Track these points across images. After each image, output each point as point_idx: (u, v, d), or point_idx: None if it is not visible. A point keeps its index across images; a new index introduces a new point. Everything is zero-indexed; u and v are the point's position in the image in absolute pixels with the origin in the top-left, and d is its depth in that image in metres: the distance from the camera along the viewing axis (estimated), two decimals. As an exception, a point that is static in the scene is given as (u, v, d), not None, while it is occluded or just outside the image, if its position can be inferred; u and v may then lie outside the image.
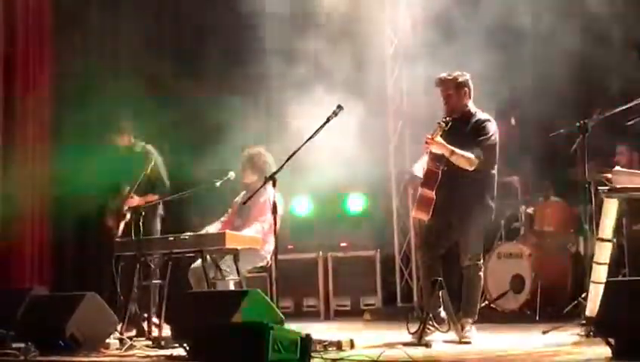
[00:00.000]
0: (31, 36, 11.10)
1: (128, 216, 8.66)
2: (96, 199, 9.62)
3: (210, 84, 11.26)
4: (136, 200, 8.82)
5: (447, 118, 7.48)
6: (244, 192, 8.80)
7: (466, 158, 7.38)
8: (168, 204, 9.10)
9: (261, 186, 7.77)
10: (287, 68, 10.52)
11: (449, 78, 7.63)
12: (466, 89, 7.63)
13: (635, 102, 7.25)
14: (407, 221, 11.22)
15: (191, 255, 8.19)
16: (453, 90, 7.60)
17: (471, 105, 7.66)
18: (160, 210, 9.15)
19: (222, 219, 8.82)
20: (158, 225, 9.11)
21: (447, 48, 10.27)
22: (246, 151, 8.79)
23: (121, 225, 8.85)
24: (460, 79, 7.62)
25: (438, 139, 7.37)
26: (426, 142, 7.44)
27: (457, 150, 7.37)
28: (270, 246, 8.26)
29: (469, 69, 7.86)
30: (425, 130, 7.69)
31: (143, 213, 8.06)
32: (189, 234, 8.25)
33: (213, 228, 8.62)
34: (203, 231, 8.50)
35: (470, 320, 7.47)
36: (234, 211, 8.84)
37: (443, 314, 7.42)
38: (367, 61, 10.65)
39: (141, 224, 7.98)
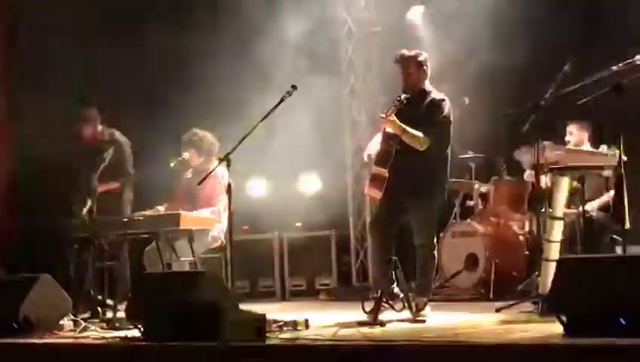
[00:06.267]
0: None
1: (89, 202, 8.58)
2: (57, 183, 9.57)
3: (159, 60, 11.17)
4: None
5: (405, 95, 7.49)
6: (189, 174, 8.78)
7: (417, 139, 7.39)
8: (137, 188, 9.09)
9: (216, 167, 7.76)
10: (239, 47, 10.50)
11: (411, 55, 7.64)
12: (425, 67, 7.65)
13: (585, 82, 7.29)
14: (363, 201, 11.24)
15: (145, 236, 8.16)
16: (414, 67, 7.61)
17: (427, 84, 7.67)
18: (129, 195, 9.14)
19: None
20: (128, 210, 9.09)
21: (402, 26, 10.30)
22: (190, 133, 8.73)
23: (84, 212, 8.78)
24: (421, 58, 7.64)
25: (393, 117, 7.38)
26: (381, 119, 7.45)
27: (410, 130, 7.37)
28: (223, 226, 8.26)
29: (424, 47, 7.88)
30: (380, 109, 7.68)
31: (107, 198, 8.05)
32: (142, 214, 8.23)
33: (162, 209, 8.60)
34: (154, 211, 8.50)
35: (424, 299, 7.50)
36: (181, 191, 8.80)
37: (396, 289, 7.45)
38: (320, 41, 10.61)
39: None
